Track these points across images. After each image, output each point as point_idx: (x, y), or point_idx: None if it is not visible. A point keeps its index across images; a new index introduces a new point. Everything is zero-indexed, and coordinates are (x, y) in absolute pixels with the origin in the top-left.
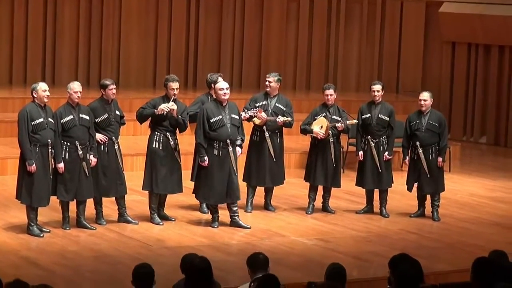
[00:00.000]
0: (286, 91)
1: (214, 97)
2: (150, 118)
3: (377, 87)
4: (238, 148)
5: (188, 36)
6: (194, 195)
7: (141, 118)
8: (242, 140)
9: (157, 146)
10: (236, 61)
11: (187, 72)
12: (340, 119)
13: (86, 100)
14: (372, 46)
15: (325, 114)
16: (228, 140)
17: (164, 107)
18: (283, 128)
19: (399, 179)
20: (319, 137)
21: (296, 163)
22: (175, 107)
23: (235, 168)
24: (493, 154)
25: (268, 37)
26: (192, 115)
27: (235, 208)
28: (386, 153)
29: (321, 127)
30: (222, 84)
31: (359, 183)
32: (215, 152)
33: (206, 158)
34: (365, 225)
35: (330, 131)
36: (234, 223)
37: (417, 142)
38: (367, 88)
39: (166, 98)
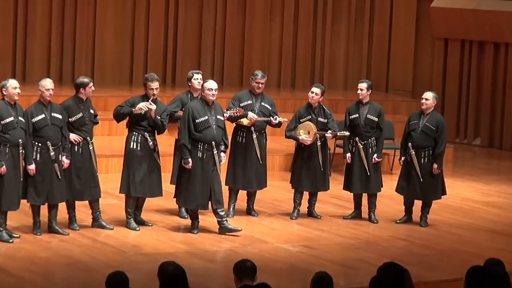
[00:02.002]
0: (270, 90)
1: (195, 95)
2: (127, 117)
3: (361, 85)
4: (222, 154)
5: (167, 31)
6: (174, 199)
7: (118, 116)
8: (226, 146)
9: (135, 147)
10: (217, 58)
11: (165, 69)
12: (326, 121)
13: (59, 98)
14: (361, 43)
15: (310, 117)
16: (213, 142)
17: (143, 106)
18: (266, 128)
19: (389, 183)
20: (306, 144)
21: (280, 165)
22: (154, 107)
23: (219, 171)
24: (487, 157)
25: (251, 33)
26: (170, 114)
27: (222, 213)
28: (375, 155)
29: (308, 132)
30: (211, 84)
31: (347, 187)
32: (199, 154)
33: (190, 160)
34: (353, 231)
35: (317, 136)
36: (223, 229)
37: (410, 144)
38: (355, 87)
39: (146, 98)
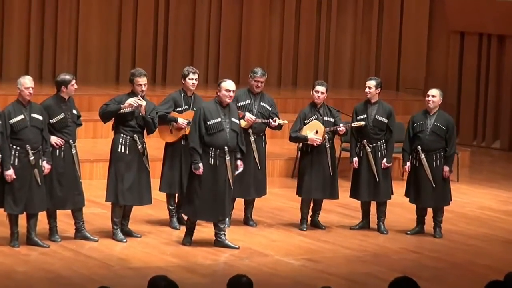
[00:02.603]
0: (270, 89)
1: (189, 94)
2: (114, 117)
3: (370, 83)
4: (238, 162)
5: (157, 24)
6: (166, 206)
7: (105, 115)
8: (242, 152)
9: (123, 150)
10: (212, 54)
11: (155, 66)
12: (333, 120)
13: (39, 97)
14: (369, 37)
15: (316, 116)
16: (225, 147)
17: (132, 102)
18: (265, 130)
19: (400, 190)
20: (315, 144)
21: (281, 171)
22: (144, 103)
23: (231, 181)
24: (507, 161)
25: (249, 27)
26: (162, 116)
27: (222, 226)
28: (385, 160)
29: (316, 131)
30: (229, 85)
31: (354, 194)
32: (210, 161)
33: (200, 165)
34: (360, 242)
35: (326, 136)
36: (219, 243)
37: (419, 147)
38: (362, 85)
39: (133, 95)
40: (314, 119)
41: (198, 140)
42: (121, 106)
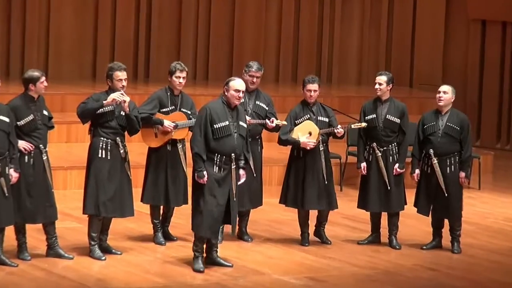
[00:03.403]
0: (267, 86)
1: (176, 93)
2: (93, 116)
3: (380, 79)
4: (241, 172)
5: (138, 15)
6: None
7: (85, 114)
8: (246, 160)
9: (104, 155)
10: (201, 49)
11: (136, 61)
12: (328, 120)
13: (5, 97)
14: (378, 28)
15: (308, 116)
16: (232, 154)
17: (116, 96)
18: (261, 133)
19: (413, 199)
20: (308, 148)
21: (279, 179)
22: (127, 98)
23: (234, 192)
24: None
25: (243, 17)
26: (146, 117)
27: (214, 241)
28: (397, 165)
29: (310, 134)
30: (239, 85)
31: (362, 204)
32: (215, 169)
33: (205, 173)
34: (370, 259)
35: (320, 138)
36: (210, 260)
37: (431, 150)
38: (371, 81)
39: (112, 93)
40: (307, 119)
41: (203, 145)
42: (104, 102)
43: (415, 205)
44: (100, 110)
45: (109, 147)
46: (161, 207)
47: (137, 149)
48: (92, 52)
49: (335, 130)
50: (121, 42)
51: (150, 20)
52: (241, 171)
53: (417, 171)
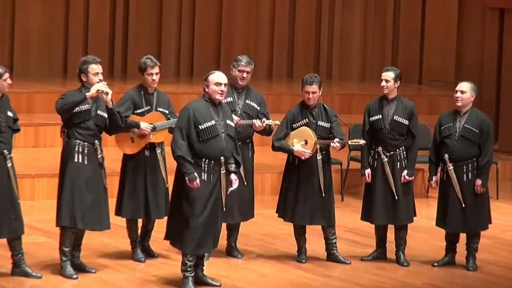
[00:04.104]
0: (259, 83)
1: (150, 91)
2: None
3: (386, 75)
4: (233, 177)
5: (115, 5)
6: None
7: (65, 108)
8: (238, 164)
9: (80, 160)
10: (185, 42)
11: (112, 54)
12: (329, 125)
13: None
14: (383, 17)
15: (306, 120)
16: (222, 157)
17: (101, 87)
18: (252, 135)
19: (424, 210)
20: (303, 158)
21: (273, 187)
22: (110, 91)
23: (223, 201)
24: None
25: (232, 6)
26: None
27: (201, 258)
28: (405, 172)
29: (305, 142)
30: (219, 77)
31: (366, 216)
32: (203, 175)
33: (196, 175)
34: (375, 277)
35: (317, 146)
36: (196, 279)
37: (446, 155)
38: (376, 78)
39: (86, 90)
40: (305, 124)
41: (187, 148)
42: (87, 94)
43: (437, 220)
44: (76, 108)
45: (86, 151)
46: (141, 221)
47: (112, 155)
48: (62, 45)
49: (331, 144)
50: (95, 34)
51: (127, 10)
52: (233, 176)
53: (435, 178)
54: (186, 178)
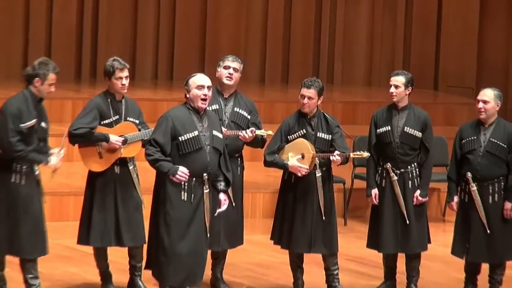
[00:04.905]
0: (249, 88)
1: (119, 98)
2: None
3: (396, 80)
4: (222, 197)
5: None
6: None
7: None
8: (228, 181)
9: (18, 181)
10: (164, 42)
11: (80, 54)
12: (330, 137)
13: None
14: (394, 13)
15: (304, 131)
16: (205, 174)
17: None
18: (242, 148)
19: (440, 236)
20: (299, 175)
21: (265, 209)
22: (58, 166)
23: (207, 224)
24: None
25: (218, 1)
26: (85, 133)
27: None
28: (418, 192)
29: (302, 156)
30: (202, 79)
31: (373, 243)
32: (183, 195)
33: (180, 167)
34: None
35: (316, 160)
36: None
37: (469, 173)
38: (384, 83)
39: (33, 99)
40: (302, 136)
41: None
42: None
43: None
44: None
45: (23, 170)
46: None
47: (79, 171)
48: (22, 43)
49: (331, 157)
50: (59, 32)
51: (97, 4)
52: (222, 196)
53: (456, 198)
54: (170, 177)
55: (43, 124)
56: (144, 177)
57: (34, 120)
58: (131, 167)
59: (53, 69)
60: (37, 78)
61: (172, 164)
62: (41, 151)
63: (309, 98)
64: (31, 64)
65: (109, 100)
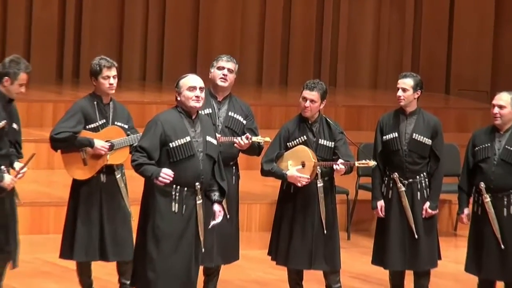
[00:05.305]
0: (244, 91)
1: (106, 101)
2: None
3: (406, 82)
4: (216, 208)
5: None
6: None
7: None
8: (223, 191)
9: None
10: (153, 39)
11: (61, 55)
12: (332, 144)
13: None
14: (402, 11)
15: (305, 137)
16: (197, 184)
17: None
18: (237, 157)
19: (451, 251)
20: (299, 185)
21: (262, 222)
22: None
23: (200, 237)
24: None
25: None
26: (68, 137)
27: None
28: (427, 204)
29: (303, 165)
30: (193, 80)
31: (379, 259)
32: (174, 206)
33: (165, 169)
34: None
35: (318, 169)
36: None
37: (482, 184)
38: (391, 85)
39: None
40: (302, 142)
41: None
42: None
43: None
44: None
45: None
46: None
47: (61, 179)
48: None
49: (334, 166)
50: (40, 29)
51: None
52: (216, 207)
53: (466, 211)
54: (154, 181)
55: (14, 126)
56: (133, 186)
57: (4, 122)
58: (118, 176)
59: (25, 68)
60: (6, 77)
61: (157, 167)
62: (8, 157)
63: (312, 101)
64: (1, 62)
65: (95, 102)
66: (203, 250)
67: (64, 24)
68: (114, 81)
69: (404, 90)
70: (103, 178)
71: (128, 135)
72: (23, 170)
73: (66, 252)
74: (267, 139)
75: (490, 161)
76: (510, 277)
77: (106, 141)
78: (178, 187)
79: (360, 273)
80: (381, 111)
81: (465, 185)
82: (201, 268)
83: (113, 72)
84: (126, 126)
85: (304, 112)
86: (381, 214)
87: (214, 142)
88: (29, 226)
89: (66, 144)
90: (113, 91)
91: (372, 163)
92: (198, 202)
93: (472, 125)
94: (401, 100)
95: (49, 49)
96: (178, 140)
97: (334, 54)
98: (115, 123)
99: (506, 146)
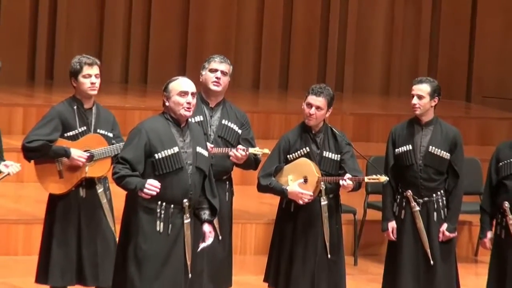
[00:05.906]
0: (240, 97)
1: (88, 106)
2: None
3: (421, 88)
4: (207, 228)
5: None
6: None
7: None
8: (214, 210)
9: None
10: (137, 37)
11: (33, 54)
12: (338, 157)
13: None
14: (418, 8)
15: (307, 149)
16: (185, 200)
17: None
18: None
19: (472, 280)
20: (301, 202)
21: (258, 244)
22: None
23: (188, 262)
24: None
25: None
26: (42, 146)
27: None
28: (445, 226)
29: (305, 180)
30: (185, 85)
31: (390, 285)
32: (158, 226)
33: (150, 180)
34: None
35: (322, 185)
36: None
37: (506, 203)
38: (405, 91)
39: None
40: (305, 155)
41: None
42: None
43: None
44: None
45: None
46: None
47: (33, 194)
48: None
49: (340, 182)
50: (9, 24)
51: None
52: (207, 228)
53: (490, 234)
54: (138, 193)
55: None
56: (118, 203)
57: None
58: (100, 190)
59: None
60: None
61: (141, 179)
62: None
63: (318, 108)
64: None
65: (75, 107)
66: (190, 275)
67: (37, 18)
68: (96, 81)
69: (419, 97)
70: (82, 192)
71: (113, 144)
72: None
73: (42, 276)
74: (266, 150)
75: None
76: None
77: (85, 151)
78: (164, 203)
79: None
80: (393, 120)
81: (487, 205)
82: None
83: (95, 70)
84: (110, 135)
85: (308, 120)
86: (393, 237)
87: (206, 153)
88: None
89: (40, 153)
90: (95, 92)
91: (384, 178)
92: (186, 221)
93: (497, 137)
94: (416, 108)
95: (20, 47)
96: (165, 151)
97: (341, 55)
98: (98, 130)
99: None
